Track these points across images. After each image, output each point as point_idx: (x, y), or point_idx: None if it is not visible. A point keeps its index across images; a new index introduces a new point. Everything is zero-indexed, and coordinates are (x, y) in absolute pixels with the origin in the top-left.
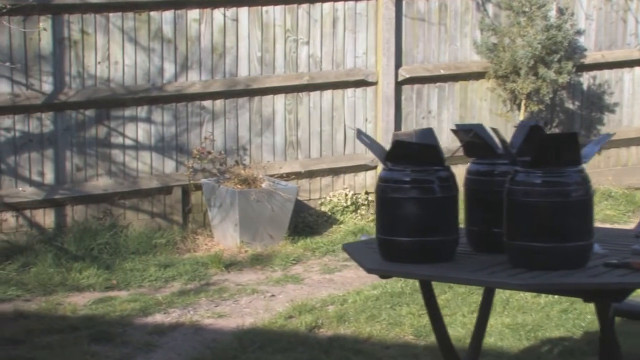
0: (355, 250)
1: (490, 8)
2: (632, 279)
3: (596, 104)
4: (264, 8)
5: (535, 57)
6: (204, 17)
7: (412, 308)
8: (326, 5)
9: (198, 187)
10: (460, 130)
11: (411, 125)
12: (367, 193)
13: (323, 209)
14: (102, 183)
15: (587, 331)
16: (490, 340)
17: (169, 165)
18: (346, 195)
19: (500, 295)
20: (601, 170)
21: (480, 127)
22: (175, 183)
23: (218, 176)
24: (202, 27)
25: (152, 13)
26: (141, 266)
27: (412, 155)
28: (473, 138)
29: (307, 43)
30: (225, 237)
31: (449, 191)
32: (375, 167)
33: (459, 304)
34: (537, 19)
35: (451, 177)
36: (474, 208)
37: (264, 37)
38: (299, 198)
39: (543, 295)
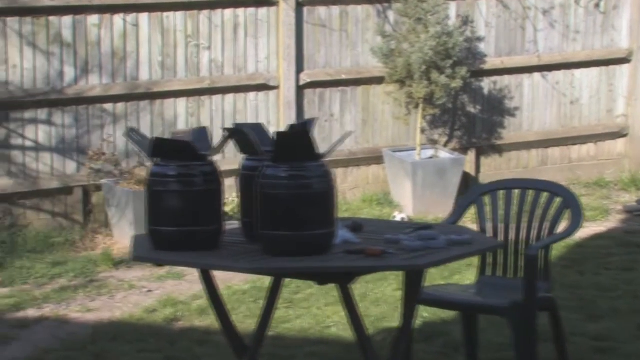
0: (140, 241)
1: (391, 15)
2: (357, 263)
3: (497, 108)
4: (165, 14)
5: (426, 62)
6: (103, 22)
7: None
8: (227, 11)
9: (99, 188)
10: (229, 129)
11: (315, 128)
12: None
13: (226, 209)
14: (1, 183)
15: (427, 322)
16: (333, 330)
17: (70, 166)
18: None
19: (357, 290)
20: (502, 172)
21: (259, 126)
22: (76, 184)
23: (118, 177)
24: (102, 32)
25: (50, 18)
26: (31, 264)
27: (172, 151)
28: (230, 137)
29: (209, 48)
30: (122, 235)
31: (211, 185)
32: None
33: (319, 298)
34: (431, 26)
35: (214, 172)
36: (246, 201)
37: (164, 42)
38: None
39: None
